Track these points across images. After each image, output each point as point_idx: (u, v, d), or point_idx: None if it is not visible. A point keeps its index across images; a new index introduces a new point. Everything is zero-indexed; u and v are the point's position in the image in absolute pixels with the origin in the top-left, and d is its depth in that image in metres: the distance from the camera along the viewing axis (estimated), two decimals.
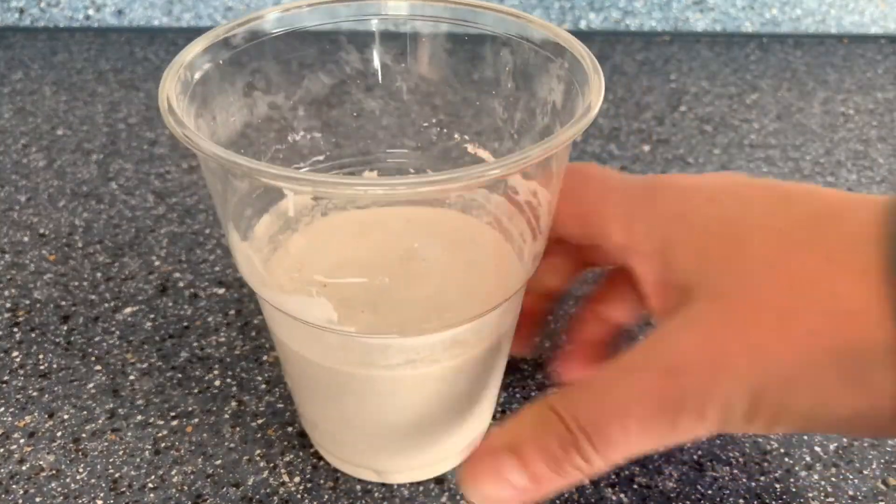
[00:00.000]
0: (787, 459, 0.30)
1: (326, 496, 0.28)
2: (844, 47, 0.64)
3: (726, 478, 0.29)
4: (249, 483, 0.29)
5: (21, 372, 0.34)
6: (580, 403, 0.21)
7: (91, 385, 0.33)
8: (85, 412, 0.32)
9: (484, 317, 0.24)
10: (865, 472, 0.29)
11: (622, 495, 0.28)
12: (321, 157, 0.29)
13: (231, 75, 0.25)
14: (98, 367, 0.34)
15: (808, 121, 0.53)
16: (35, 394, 0.33)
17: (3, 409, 0.32)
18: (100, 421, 0.31)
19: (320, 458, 0.30)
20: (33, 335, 0.35)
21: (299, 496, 0.28)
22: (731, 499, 0.28)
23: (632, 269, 0.24)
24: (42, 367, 0.34)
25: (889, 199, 0.20)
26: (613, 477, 0.29)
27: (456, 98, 0.28)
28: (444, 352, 0.24)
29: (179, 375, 0.33)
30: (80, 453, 0.30)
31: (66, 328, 0.36)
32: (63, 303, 0.37)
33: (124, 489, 0.29)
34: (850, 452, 0.30)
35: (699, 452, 0.30)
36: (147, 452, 0.30)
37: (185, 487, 0.29)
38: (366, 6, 0.27)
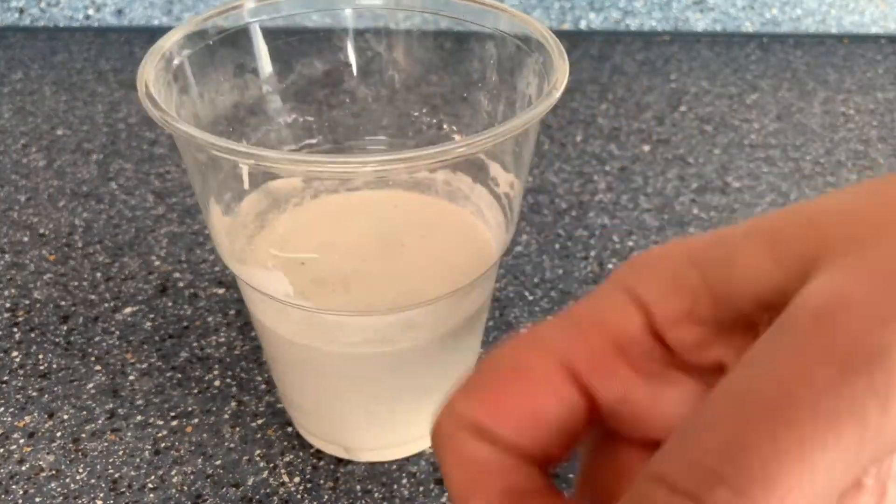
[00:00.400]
0: None
1: (326, 496, 0.28)
2: (845, 47, 0.64)
3: None
4: (249, 483, 0.29)
5: (21, 372, 0.34)
6: (697, 444, 0.12)
7: (91, 385, 0.33)
8: (85, 412, 0.32)
9: (439, 302, 0.25)
10: None
11: None
12: (314, 140, 0.30)
13: (214, 61, 0.26)
14: (98, 367, 0.34)
15: (808, 121, 0.53)
16: (35, 394, 0.33)
17: (3, 409, 0.32)
18: (100, 421, 0.31)
19: (320, 457, 0.30)
20: (33, 335, 0.35)
21: (299, 496, 0.28)
22: None
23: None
24: (42, 367, 0.34)
25: None
26: None
27: (444, 90, 0.29)
28: (401, 334, 0.25)
29: (179, 375, 0.33)
30: (79, 453, 0.30)
31: (65, 328, 0.36)
32: (63, 303, 0.37)
33: (124, 489, 0.29)
34: None
35: None
36: (147, 453, 0.30)
37: (185, 488, 0.29)
38: None
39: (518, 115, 0.21)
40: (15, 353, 0.34)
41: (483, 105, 0.28)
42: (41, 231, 0.42)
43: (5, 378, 0.33)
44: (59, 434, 0.31)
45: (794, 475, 0.11)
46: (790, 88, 0.57)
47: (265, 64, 0.27)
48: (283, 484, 0.29)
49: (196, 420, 0.31)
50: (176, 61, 0.24)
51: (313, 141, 0.29)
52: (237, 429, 0.31)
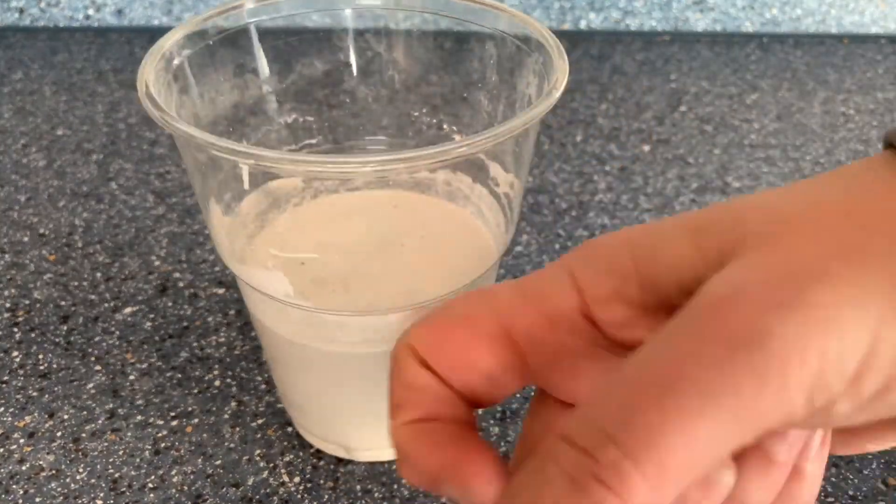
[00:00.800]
0: None
1: (326, 496, 0.28)
2: (844, 47, 0.64)
3: None
4: (249, 483, 0.29)
5: (21, 372, 0.34)
6: (598, 408, 0.14)
7: (91, 385, 0.33)
8: (85, 412, 0.32)
9: (439, 302, 0.25)
10: (865, 472, 0.29)
11: None
12: (313, 141, 0.30)
13: (214, 61, 0.26)
14: (98, 367, 0.34)
15: (808, 121, 0.53)
16: (35, 394, 0.33)
17: (3, 409, 0.32)
18: (100, 421, 0.31)
19: (320, 457, 0.30)
20: (33, 335, 0.35)
21: (299, 496, 0.28)
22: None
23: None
24: (42, 367, 0.34)
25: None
26: None
27: (444, 90, 0.29)
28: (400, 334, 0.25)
29: (179, 375, 0.33)
30: (80, 453, 0.30)
31: (65, 328, 0.36)
32: (63, 303, 0.37)
33: (124, 489, 0.29)
34: None
35: None
36: (147, 452, 0.30)
37: (185, 487, 0.29)
38: None
39: (518, 115, 0.21)
40: (15, 353, 0.34)
41: (483, 105, 0.28)
42: (41, 231, 0.42)
43: (5, 378, 0.33)
44: (59, 434, 0.31)
45: (675, 440, 0.13)
46: (790, 88, 0.57)
47: (265, 64, 0.28)
48: (283, 484, 0.29)
49: (196, 420, 0.31)
50: (176, 61, 0.24)
51: (313, 141, 0.30)
52: (237, 429, 0.31)
